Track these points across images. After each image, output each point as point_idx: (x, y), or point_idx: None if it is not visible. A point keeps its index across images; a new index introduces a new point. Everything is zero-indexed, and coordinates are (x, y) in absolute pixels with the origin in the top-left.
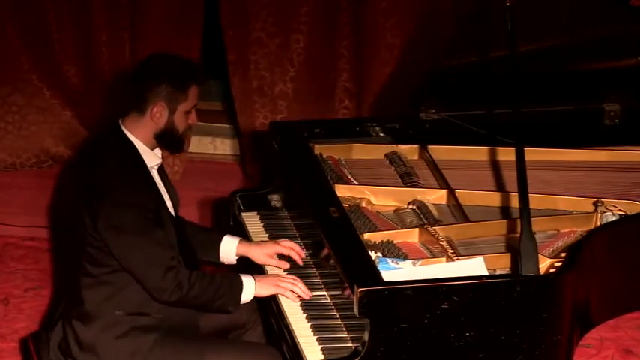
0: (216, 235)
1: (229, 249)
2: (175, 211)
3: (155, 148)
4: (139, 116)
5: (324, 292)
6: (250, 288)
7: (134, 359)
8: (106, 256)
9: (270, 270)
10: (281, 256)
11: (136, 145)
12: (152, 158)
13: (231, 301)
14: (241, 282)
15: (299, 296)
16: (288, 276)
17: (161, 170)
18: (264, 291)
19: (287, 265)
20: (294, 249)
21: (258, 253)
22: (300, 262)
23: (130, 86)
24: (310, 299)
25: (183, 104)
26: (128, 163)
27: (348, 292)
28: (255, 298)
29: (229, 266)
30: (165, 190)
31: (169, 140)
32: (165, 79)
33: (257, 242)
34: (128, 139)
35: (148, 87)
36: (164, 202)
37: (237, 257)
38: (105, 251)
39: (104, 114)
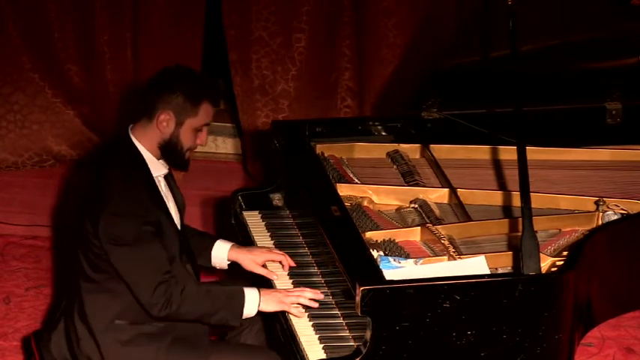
0: (209, 238)
1: (221, 254)
2: (181, 219)
3: (161, 158)
4: (147, 123)
5: (327, 291)
6: (253, 302)
7: None
8: (106, 263)
9: (278, 285)
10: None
11: (143, 154)
12: (158, 167)
13: (230, 316)
14: (243, 296)
15: (305, 306)
16: (295, 289)
17: (169, 177)
18: (268, 307)
19: (274, 277)
20: (284, 258)
21: (247, 260)
22: (286, 270)
23: (144, 92)
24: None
25: (192, 119)
26: (133, 171)
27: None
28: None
29: (224, 272)
30: (172, 199)
31: (172, 154)
32: (177, 89)
33: (248, 248)
34: (135, 147)
35: (159, 94)
36: (167, 213)
37: (229, 262)
38: (104, 258)
39: (117, 118)
